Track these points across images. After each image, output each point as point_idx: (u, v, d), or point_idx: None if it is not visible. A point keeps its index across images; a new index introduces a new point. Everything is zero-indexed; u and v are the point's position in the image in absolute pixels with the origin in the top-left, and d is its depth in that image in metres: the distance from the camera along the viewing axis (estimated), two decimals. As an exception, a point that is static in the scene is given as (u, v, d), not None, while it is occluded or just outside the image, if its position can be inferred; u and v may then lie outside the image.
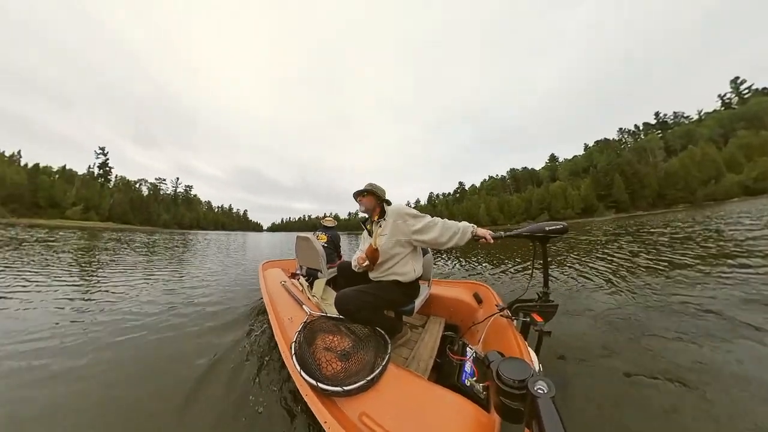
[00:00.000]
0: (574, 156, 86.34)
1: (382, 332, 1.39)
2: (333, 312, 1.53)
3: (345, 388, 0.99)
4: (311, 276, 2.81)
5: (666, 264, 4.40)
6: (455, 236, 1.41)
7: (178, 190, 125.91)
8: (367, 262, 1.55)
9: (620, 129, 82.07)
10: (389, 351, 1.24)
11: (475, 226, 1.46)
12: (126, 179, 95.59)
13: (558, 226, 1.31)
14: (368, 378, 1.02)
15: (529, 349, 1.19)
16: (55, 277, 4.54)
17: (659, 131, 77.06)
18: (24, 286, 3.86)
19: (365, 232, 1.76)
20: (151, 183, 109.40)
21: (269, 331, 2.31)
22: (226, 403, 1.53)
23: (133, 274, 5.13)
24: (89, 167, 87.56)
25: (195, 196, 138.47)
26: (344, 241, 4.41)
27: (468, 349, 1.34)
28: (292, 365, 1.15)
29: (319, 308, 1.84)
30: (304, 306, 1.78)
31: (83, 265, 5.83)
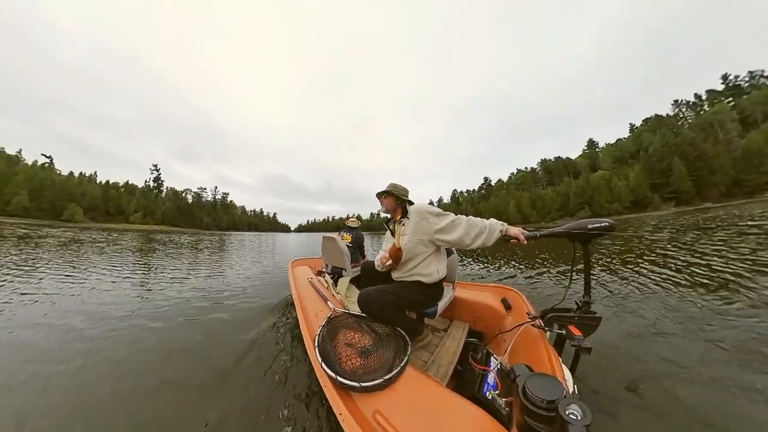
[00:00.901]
0: (618, 140, 73.80)
1: (403, 333, 1.39)
2: (356, 310, 1.55)
3: (362, 383, 1.00)
4: (336, 274, 2.90)
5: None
6: (481, 236, 1.32)
7: (216, 197, 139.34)
8: (390, 262, 1.54)
9: (675, 101, 64.96)
10: (409, 352, 1.23)
11: (506, 225, 1.34)
12: (174, 190, 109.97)
13: (603, 224, 1.16)
14: (386, 377, 1.02)
15: (563, 366, 1.08)
16: (113, 271, 5.30)
17: (730, 99, 58.91)
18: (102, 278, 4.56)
19: (388, 233, 1.76)
20: (194, 192, 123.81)
21: (296, 323, 2.46)
22: (255, 381, 1.73)
23: (181, 268, 5.79)
24: (146, 181, 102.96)
25: (231, 201, 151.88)
26: (368, 241, 4.49)
27: (492, 359, 1.25)
28: (314, 357, 1.19)
29: (343, 305, 1.89)
30: (328, 302, 1.84)
31: (140, 263, 6.71)
